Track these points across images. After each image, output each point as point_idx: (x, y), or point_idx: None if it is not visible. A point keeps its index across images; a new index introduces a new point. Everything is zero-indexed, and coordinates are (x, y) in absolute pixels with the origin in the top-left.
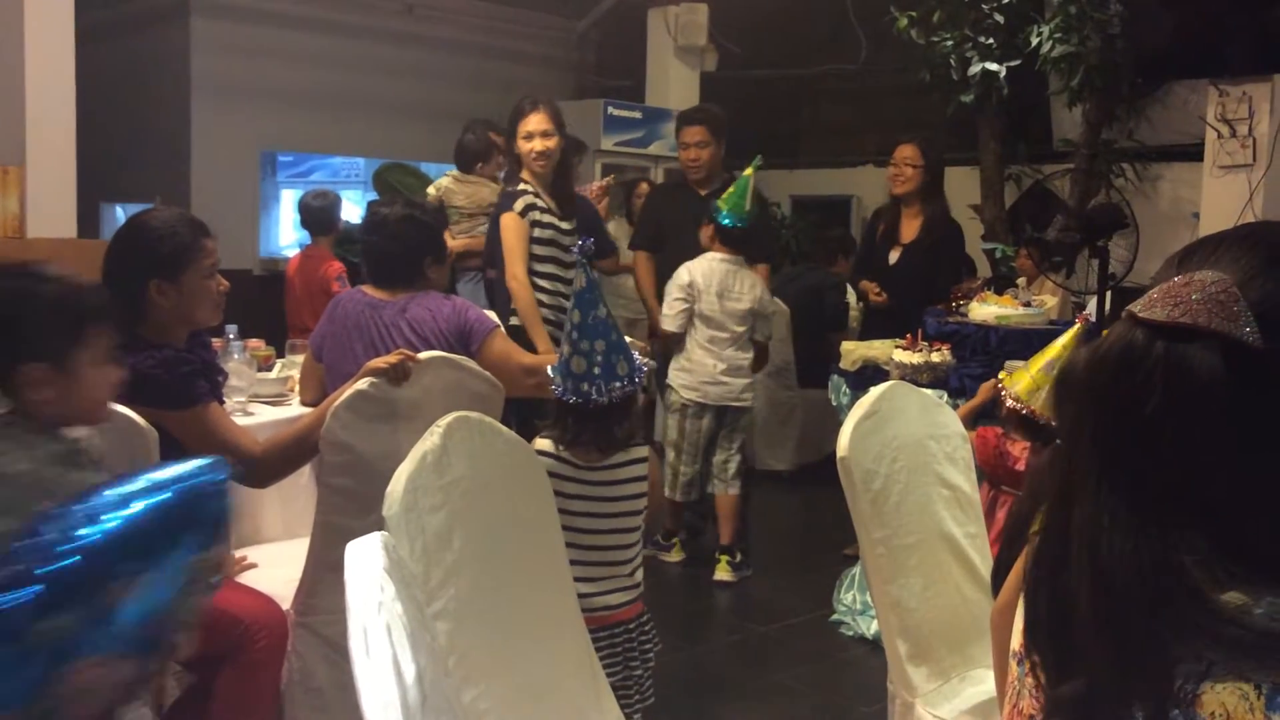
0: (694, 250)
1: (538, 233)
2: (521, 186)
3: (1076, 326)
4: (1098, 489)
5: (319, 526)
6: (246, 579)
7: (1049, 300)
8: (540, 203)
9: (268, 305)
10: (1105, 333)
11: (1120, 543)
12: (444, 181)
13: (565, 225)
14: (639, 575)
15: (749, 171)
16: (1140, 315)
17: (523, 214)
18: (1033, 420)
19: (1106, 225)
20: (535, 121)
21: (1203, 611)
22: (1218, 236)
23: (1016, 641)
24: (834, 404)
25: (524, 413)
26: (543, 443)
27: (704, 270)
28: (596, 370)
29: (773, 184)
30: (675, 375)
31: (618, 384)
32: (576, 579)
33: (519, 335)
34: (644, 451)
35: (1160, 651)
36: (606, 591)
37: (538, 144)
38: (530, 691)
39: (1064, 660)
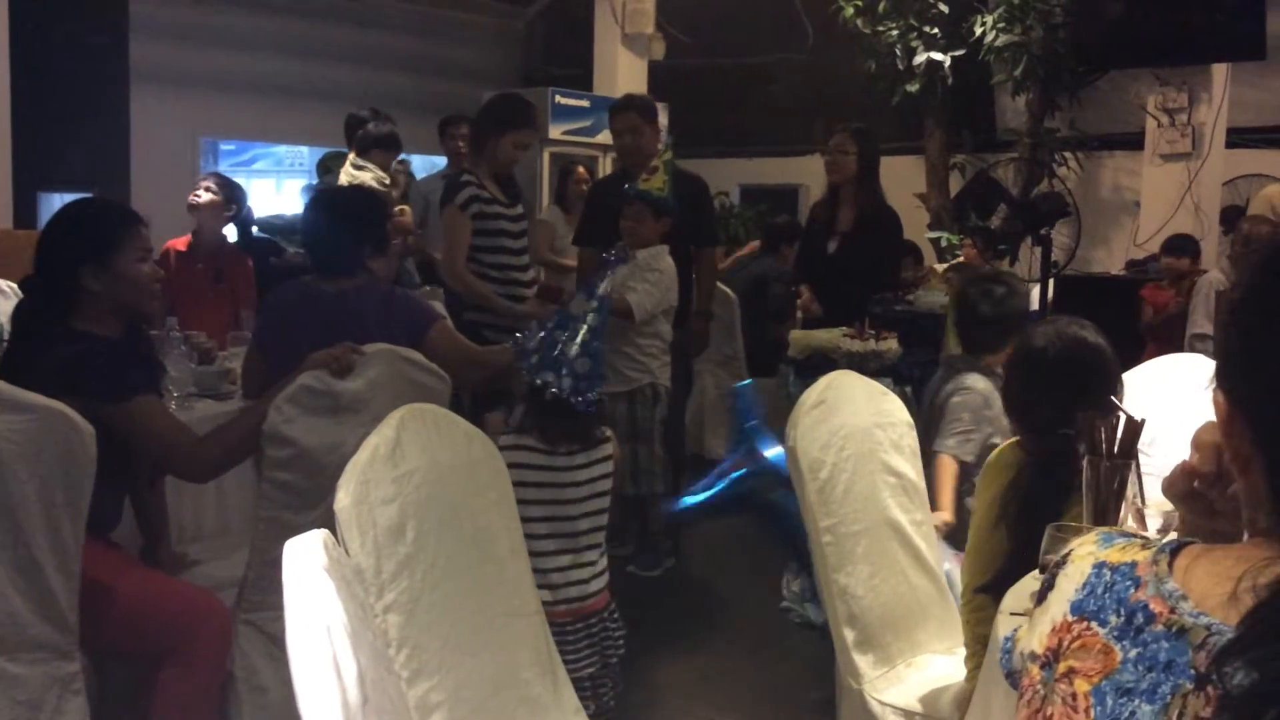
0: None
1: (483, 224)
2: (465, 177)
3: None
4: None
5: (261, 522)
6: (187, 575)
7: None
8: (484, 193)
9: None
10: None
11: None
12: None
13: (510, 211)
14: (605, 564)
15: (669, 155)
16: None
17: (464, 206)
18: None
19: (1049, 213)
20: (531, 136)
21: None
22: None
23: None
24: (783, 393)
25: (477, 405)
26: (515, 438)
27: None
28: (600, 373)
29: (721, 173)
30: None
31: (600, 385)
32: (551, 570)
33: (474, 331)
34: (610, 450)
35: None
36: (582, 581)
37: (522, 153)
38: (485, 683)
39: None
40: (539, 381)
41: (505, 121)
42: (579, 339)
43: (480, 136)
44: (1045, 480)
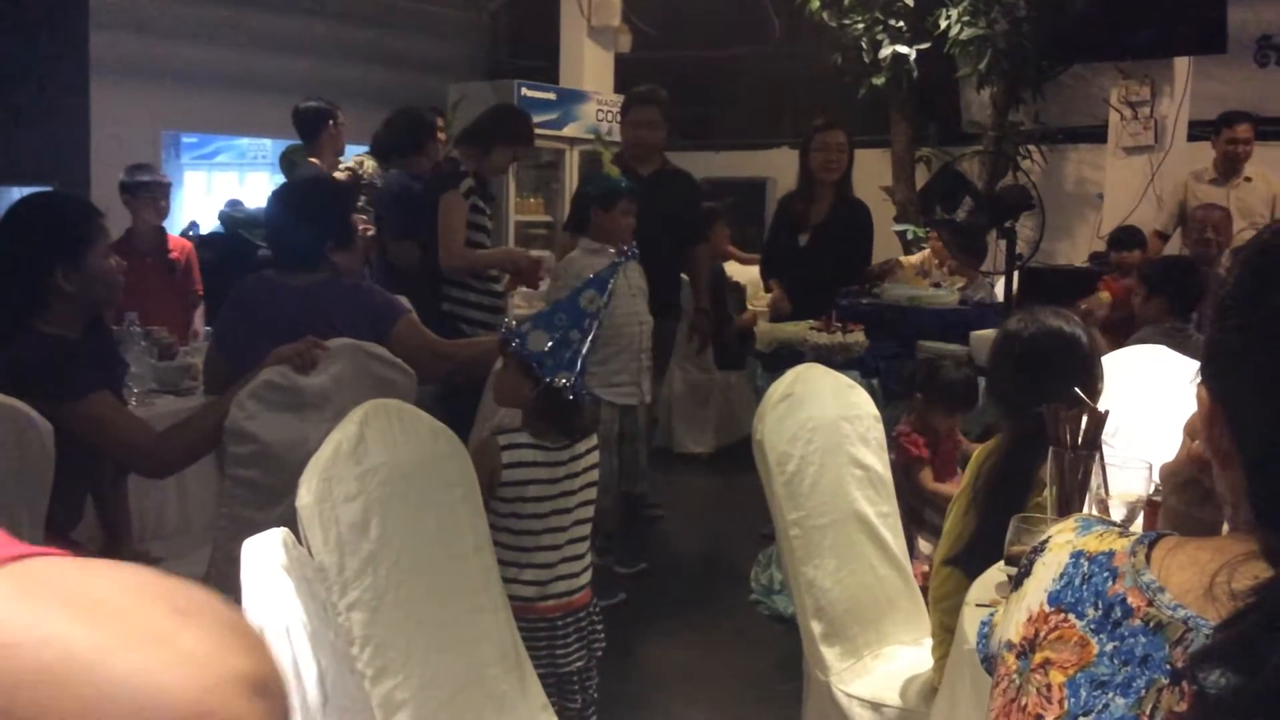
0: (640, 234)
1: (472, 218)
2: (464, 168)
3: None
4: None
5: (223, 519)
6: None
7: (959, 280)
8: (476, 189)
9: None
10: None
11: None
12: (370, 166)
13: (488, 210)
14: (590, 559)
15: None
16: None
17: (466, 195)
18: None
19: (1014, 206)
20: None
21: None
22: None
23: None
24: (751, 386)
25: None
26: (517, 436)
27: None
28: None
29: (688, 166)
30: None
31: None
32: (541, 565)
33: (451, 323)
34: (596, 441)
35: None
36: (570, 575)
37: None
38: (451, 681)
39: None
40: (560, 382)
41: (516, 135)
42: (591, 336)
43: (485, 140)
44: (1021, 456)
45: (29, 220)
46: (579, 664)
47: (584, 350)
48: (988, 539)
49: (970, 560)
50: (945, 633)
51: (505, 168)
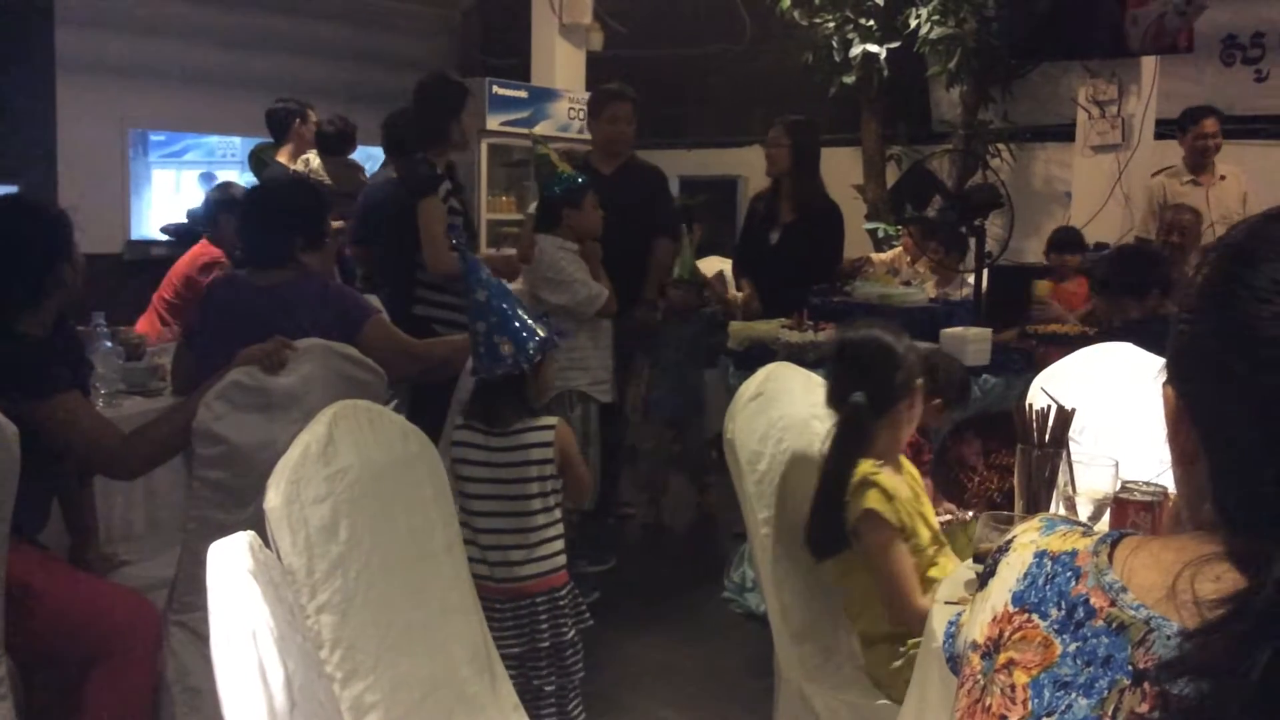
0: (608, 231)
1: (452, 219)
2: (439, 170)
3: None
4: None
5: (192, 521)
6: (116, 576)
7: (930, 278)
8: (451, 188)
9: (136, 291)
10: None
11: None
12: (315, 162)
13: (462, 208)
14: (556, 546)
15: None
16: None
17: (444, 199)
18: None
19: (983, 205)
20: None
21: None
22: None
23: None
24: (723, 384)
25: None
26: (460, 419)
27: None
28: (481, 350)
29: (660, 164)
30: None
31: (498, 365)
32: (487, 547)
33: (424, 325)
34: (551, 422)
35: None
36: (520, 562)
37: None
38: (422, 682)
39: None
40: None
41: (458, 101)
42: (487, 322)
43: (437, 124)
44: (845, 441)
45: (32, 219)
46: (515, 650)
47: (481, 334)
48: (820, 517)
49: (811, 543)
50: (868, 642)
51: (469, 137)
